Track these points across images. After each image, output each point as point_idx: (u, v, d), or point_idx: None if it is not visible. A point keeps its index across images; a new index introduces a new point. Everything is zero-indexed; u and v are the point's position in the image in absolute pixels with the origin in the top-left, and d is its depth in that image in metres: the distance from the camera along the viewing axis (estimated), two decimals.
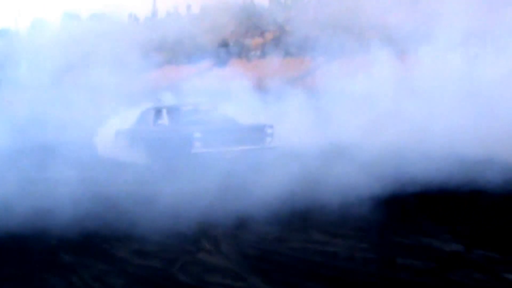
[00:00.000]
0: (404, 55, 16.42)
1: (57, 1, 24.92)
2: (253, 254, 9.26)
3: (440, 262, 8.77)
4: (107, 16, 23.31)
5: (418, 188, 12.25)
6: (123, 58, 20.85)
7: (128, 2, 25.73)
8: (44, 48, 21.39)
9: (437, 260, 8.83)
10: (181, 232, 10.32)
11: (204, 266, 8.86)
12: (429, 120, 15.00)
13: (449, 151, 13.89)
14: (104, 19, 23.10)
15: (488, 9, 16.26)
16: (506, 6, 16.11)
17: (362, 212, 10.93)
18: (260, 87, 19.57)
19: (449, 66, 15.52)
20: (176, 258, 9.13)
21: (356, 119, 15.37)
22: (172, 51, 23.92)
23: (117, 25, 23.40)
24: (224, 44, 24.12)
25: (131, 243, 9.85)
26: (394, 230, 10.19)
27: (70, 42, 21.54)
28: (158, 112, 17.07)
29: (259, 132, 15.52)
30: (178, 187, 12.56)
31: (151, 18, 27.62)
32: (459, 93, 15.19)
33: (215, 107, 16.95)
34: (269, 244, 9.70)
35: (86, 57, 21.39)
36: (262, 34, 25.38)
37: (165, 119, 16.69)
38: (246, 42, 25.00)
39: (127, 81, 20.14)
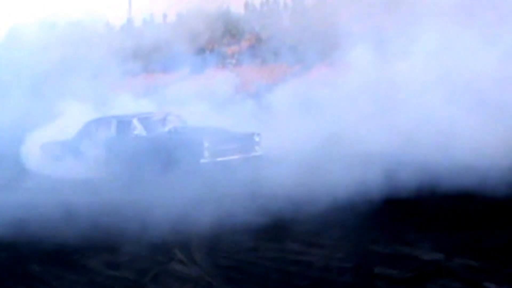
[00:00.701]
0: (377, 61, 16.31)
1: (34, 9, 24.58)
2: (226, 264, 9.08)
3: (418, 271, 8.62)
4: (84, 25, 23.10)
5: (398, 196, 12.09)
6: (99, 66, 20.65)
7: (104, 11, 25.51)
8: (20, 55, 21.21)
9: (416, 269, 8.69)
10: (154, 242, 10.08)
11: (176, 277, 8.68)
12: (410, 125, 14.91)
13: (430, 157, 13.78)
14: (80, 27, 22.89)
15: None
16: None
17: (340, 221, 10.75)
18: (237, 94, 19.42)
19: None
20: (148, 269, 8.94)
21: (333, 125, 15.19)
22: (148, 59, 23.71)
23: (93, 33, 23.21)
24: (200, 52, 23.96)
25: (102, 254, 9.61)
26: (372, 239, 10.01)
27: (47, 50, 21.32)
28: (124, 122, 16.19)
29: (248, 140, 15.20)
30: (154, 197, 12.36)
31: (127, 26, 27.40)
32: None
33: (181, 116, 16.49)
34: (243, 254, 9.50)
35: (62, 65, 21.14)
36: (238, 41, 25.28)
37: (139, 129, 15.91)
38: (222, 49, 24.88)
39: (103, 89, 19.86)
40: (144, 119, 16.06)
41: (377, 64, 16.84)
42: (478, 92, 14.74)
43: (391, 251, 9.45)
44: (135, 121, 15.88)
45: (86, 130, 16.46)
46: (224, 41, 25.49)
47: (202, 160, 14.33)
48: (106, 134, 16.13)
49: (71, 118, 17.31)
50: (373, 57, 16.64)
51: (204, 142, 14.40)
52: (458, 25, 15.34)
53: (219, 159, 14.49)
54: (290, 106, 16.40)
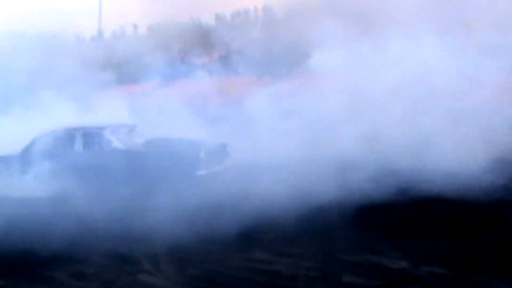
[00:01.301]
0: (347, 71, 16.42)
1: (3, 20, 24.31)
2: (194, 274, 9.02)
3: (386, 280, 8.64)
4: (53, 36, 22.92)
5: (367, 204, 12.11)
6: (68, 78, 20.46)
7: (74, 22, 25.32)
8: None
9: (383, 278, 8.70)
10: (122, 253, 10.02)
11: (143, 287, 8.57)
12: (380, 132, 15.01)
13: (400, 166, 13.88)
14: (50, 39, 22.70)
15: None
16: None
17: (309, 230, 10.76)
18: (206, 105, 19.38)
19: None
20: (115, 280, 8.85)
21: (302, 135, 15.20)
22: (119, 70, 23.59)
23: (63, 44, 23.04)
24: (171, 63, 23.86)
25: (69, 265, 9.50)
26: (341, 248, 10.01)
27: (15, 61, 21.09)
28: (92, 135, 15.01)
29: (222, 151, 14.92)
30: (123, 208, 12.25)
31: (97, 38, 27.28)
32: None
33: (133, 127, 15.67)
34: (211, 263, 9.45)
35: (30, 76, 20.94)
36: (209, 53, 25.24)
37: (114, 142, 14.74)
38: (193, 61, 24.81)
39: (73, 101, 19.64)
40: (115, 131, 15.08)
41: (347, 74, 16.96)
42: (447, 98, 14.92)
43: (360, 259, 9.45)
44: (107, 133, 14.84)
45: (37, 144, 15.04)
46: (195, 52, 25.44)
47: (198, 172, 13.77)
48: (67, 148, 14.86)
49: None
50: (343, 67, 16.72)
51: (201, 153, 13.94)
52: (425, 33, 15.49)
53: (208, 170, 14.04)
54: (260, 116, 16.36)
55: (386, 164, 14.29)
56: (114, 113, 17.60)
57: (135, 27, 26.83)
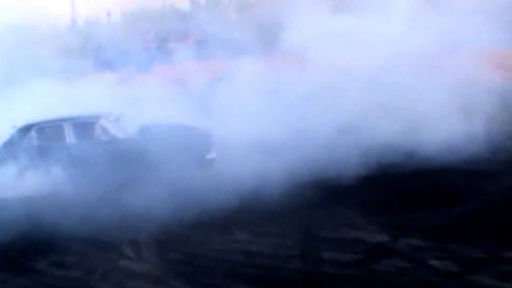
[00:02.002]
0: (322, 52, 16.47)
1: None
2: (175, 258, 9.06)
3: (365, 254, 8.73)
4: (27, 26, 22.74)
5: (343, 181, 12.19)
6: (44, 67, 20.31)
7: (47, 12, 25.12)
8: None
9: (363, 252, 8.80)
10: (103, 240, 10.03)
11: (124, 274, 8.64)
12: (355, 110, 15.14)
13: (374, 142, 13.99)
14: (23, 29, 22.52)
15: None
16: None
17: (287, 209, 10.81)
18: (184, 90, 19.31)
19: None
20: (96, 267, 8.87)
21: (283, 115, 15.20)
22: (94, 58, 23.45)
23: (36, 34, 22.88)
24: (146, 49, 23.80)
25: (50, 255, 9.52)
26: (320, 225, 10.09)
27: None
28: (85, 125, 14.01)
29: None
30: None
31: (71, 26, 27.10)
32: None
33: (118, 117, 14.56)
34: (191, 247, 9.49)
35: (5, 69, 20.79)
36: (184, 37, 25.16)
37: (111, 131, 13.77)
38: (169, 46, 24.73)
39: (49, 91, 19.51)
40: (107, 121, 14.13)
41: (321, 55, 17.00)
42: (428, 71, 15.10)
43: (339, 235, 9.54)
44: (103, 123, 13.89)
45: (19, 139, 13.88)
46: (170, 38, 25.36)
47: (208, 156, 13.48)
48: (57, 140, 13.76)
49: None
50: (318, 48, 16.75)
51: (212, 137, 13.68)
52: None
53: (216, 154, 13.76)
54: (235, 100, 16.35)
55: (364, 141, 14.39)
56: (92, 102, 17.47)
57: (109, 14, 26.66)
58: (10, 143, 13.86)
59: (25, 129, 13.88)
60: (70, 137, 13.79)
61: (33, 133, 13.86)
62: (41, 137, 13.85)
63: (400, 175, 12.61)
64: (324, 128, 14.79)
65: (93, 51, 23.52)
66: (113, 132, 13.75)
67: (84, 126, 13.96)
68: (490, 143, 14.28)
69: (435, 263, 8.13)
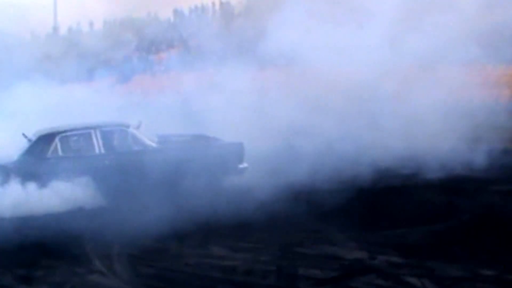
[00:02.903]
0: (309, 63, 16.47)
1: None
2: (147, 273, 8.86)
3: (342, 270, 8.60)
4: (7, 33, 22.54)
5: (321, 196, 12.09)
6: (24, 75, 20.09)
7: (29, 19, 24.94)
8: None
9: (340, 269, 8.67)
10: (73, 253, 9.82)
11: None
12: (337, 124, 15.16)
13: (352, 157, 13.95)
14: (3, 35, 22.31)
15: None
16: None
17: (264, 224, 10.66)
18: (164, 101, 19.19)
19: None
20: (64, 282, 8.64)
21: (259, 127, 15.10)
22: (75, 67, 23.28)
23: (16, 41, 22.68)
24: (128, 60, 23.70)
25: (17, 269, 9.26)
26: (297, 241, 9.95)
27: None
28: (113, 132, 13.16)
29: None
30: None
31: (53, 35, 26.94)
32: None
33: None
34: (165, 261, 9.30)
35: None
36: (167, 48, 25.11)
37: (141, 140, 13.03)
38: (150, 57, 24.66)
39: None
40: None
41: (309, 66, 17.01)
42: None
43: (316, 251, 9.41)
44: (133, 131, 13.09)
45: (41, 148, 12.71)
46: (153, 48, 25.30)
47: (240, 166, 13.20)
48: (84, 150, 12.81)
49: None
50: (303, 59, 16.73)
51: (244, 148, 13.30)
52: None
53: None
54: (218, 111, 16.23)
55: (344, 155, 14.33)
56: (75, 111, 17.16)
57: (91, 23, 26.54)
58: (31, 154, 12.71)
59: (47, 138, 12.82)
60: (99, 147, 12.81)
61: (57, 143, 12.73)
62: (66, 147, 12.79)
63: (380, 191, 12.52)
64: (306, 140, 14.76)
65: (75, 60, 23.35)
66: (145, 141, 13.09)
67: (112, 134, 13.11)
68: (470, 160, 14.25)
69: (412, 280, 8.04)
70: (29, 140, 12.87)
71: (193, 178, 12.40)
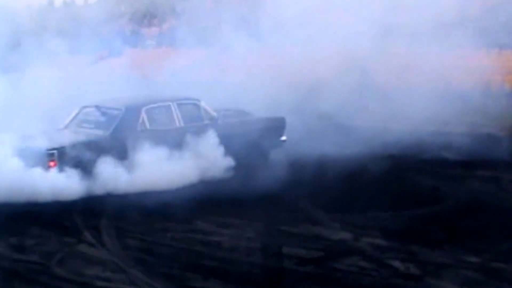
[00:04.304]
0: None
1: None
2: (135, 246, 8.97)
3: (326, 251, 8.69)
4: (2, 6, 22.40)
5: (308, 176, 12.20)
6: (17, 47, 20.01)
7: None
8: None
9: (324, 249, 8.76)
10: (63, 224, 9.92)
11: (83, 259, 8.53)
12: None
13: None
14: None
15: None
16: None
17: (251, 201, 10.76)
18: (153, 76, 19.20)
19: None
20: (54, 251, 8.75)
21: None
22: (68, 40, 23.18)
23: (10, 13, 22.55)
24: (120, 33, 23.61)
25: (8, 238, 9.35)
26: (282, 219, 10.05)
27: None
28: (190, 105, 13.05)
29: None
30: None
31: (47, 7, 26.81)
32: None
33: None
34: (152, 235, 9.42)
35: None
36: (158, 23, 25.02)
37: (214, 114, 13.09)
38: (142, 31, 24.58)
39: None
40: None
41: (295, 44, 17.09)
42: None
43: (301, 231, 9.50)
44: (204, 104, 13.04)
45: (128, 121, 12.23)
46: (144, 23, 25.21)
47: (282, 138, 13.74)
48: (166, 123, 12.55)
49: None
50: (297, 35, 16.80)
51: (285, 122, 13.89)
52: None
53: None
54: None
55: (336, 135, 14.52)
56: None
57: None
58: (121, 128, 12.14)
59: (134, 111, 12.41)
60: (178, 120, 12.67)
61: (143, 116, 12.35)
62: (151, 120, 12.43)
63: (368, 173, 12.61)
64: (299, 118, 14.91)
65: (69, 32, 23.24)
66: (214, 115, 13.09)
67: (187, 107, 12.96)
68: (459, 145, 14.37)
69: (395, 264, 8.11)
70: (102, 112, 12.55)
71: (248, 150, 12.69)
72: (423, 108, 15.29)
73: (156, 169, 11.54)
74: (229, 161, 12.40)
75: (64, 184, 10.98)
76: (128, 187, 11.26)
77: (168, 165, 11.79)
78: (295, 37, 16.86)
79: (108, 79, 16.95)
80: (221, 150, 12.38)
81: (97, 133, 12.02)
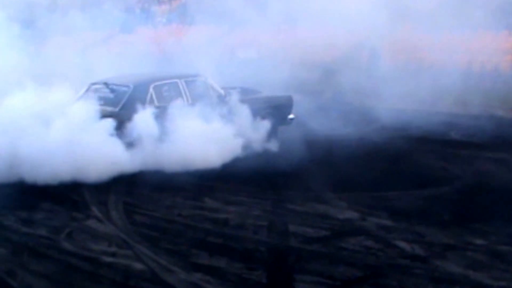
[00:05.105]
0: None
1: None
2: (142, 221, 9.02)
3: (332, 230, 8.71)
4: None
5: (315, 155, 12.22)
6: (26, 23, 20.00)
7: None
8: None
9: (330, 228, 8.77)
10: (73, 199, 9.98)
11: (91, 234, 8.57)
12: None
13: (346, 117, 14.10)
14: None
15: None
16: None
17: (258, 179, 10.80)
18: (164, 54, 19.18)
19: None
20: (63, 226, 8.80)
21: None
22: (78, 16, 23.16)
23: None
24: (130, 11, 23.57)
25: (18, 211, 9.41)
26: (289, 198, 10.06)
27: None
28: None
29: None
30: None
31: None
32: None
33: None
34: (160, 211, 9.46)
35: None
36: (169, 1, 24.94)
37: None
38: (153, 8, 24.50)
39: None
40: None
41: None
42: None
43: (307, 209, 9.52)
44: (209, 81, 13.10)
45: (137, 97, 12.08)
46: (155, 0, 25.14)
47: (290, 116, 13.89)
48: (174, 99, 12.29)
49: None
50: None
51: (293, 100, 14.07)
52: None
53: None
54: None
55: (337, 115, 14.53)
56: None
57: None
58: (131, 103, 11.97)
59: (142, 87, 12.39)
60: (186, 97, 12.60)
61: (151, 92, 12.31)
62: (159, 97, 12.36)
63: (377, 153, 12.63)
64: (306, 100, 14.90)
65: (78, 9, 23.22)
66: (221, 92, 13.12)
67: (195, 84, 12.94)
68: (468, 126, 14.35)
69: (402, 244, 8.10)
70: (111, 89, 12.45)
71: (258, 128, 12.74)
72: (431, 89, 15.28)
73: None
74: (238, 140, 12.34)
75: None
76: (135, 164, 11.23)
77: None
78: (306, 19, 16.83)
79: (120, 57, 16.87)
80: (230, 128, 12.31)
81: (106, 109, 11.89)
